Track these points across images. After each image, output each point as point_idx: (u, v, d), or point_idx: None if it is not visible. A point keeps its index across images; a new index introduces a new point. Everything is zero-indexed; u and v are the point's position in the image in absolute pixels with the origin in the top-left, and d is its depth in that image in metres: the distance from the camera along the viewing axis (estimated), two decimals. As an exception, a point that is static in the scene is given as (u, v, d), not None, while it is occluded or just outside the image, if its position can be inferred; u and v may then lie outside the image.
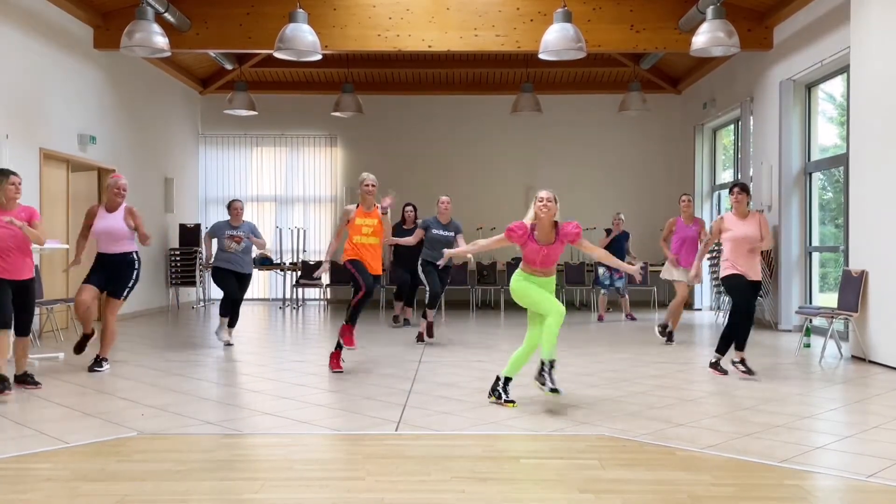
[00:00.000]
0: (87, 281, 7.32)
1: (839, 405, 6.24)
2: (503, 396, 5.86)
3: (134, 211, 7.39)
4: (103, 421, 5.30)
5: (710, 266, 12.58)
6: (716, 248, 10.98)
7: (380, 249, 7.55)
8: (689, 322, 11.80)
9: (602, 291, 12.39)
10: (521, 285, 5.85)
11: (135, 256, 7.42)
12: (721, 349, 7.22)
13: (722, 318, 12.04)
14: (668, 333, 9.43)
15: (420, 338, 9.43)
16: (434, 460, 4.39)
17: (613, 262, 6.34)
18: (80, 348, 7.51)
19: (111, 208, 7.37)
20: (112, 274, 7.32)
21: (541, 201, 5.76)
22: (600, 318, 12.30)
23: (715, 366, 7.23)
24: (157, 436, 4.92)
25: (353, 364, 7.87)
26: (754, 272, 7.17)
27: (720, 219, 7.45)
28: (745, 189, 7.33)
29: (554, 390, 5.56)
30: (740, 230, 7.16)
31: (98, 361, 7.31)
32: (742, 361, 7.07)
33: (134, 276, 7.40)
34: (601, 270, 12.30)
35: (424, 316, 9.51)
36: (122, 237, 7.29)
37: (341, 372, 7.21)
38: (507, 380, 5.91)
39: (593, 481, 4.00)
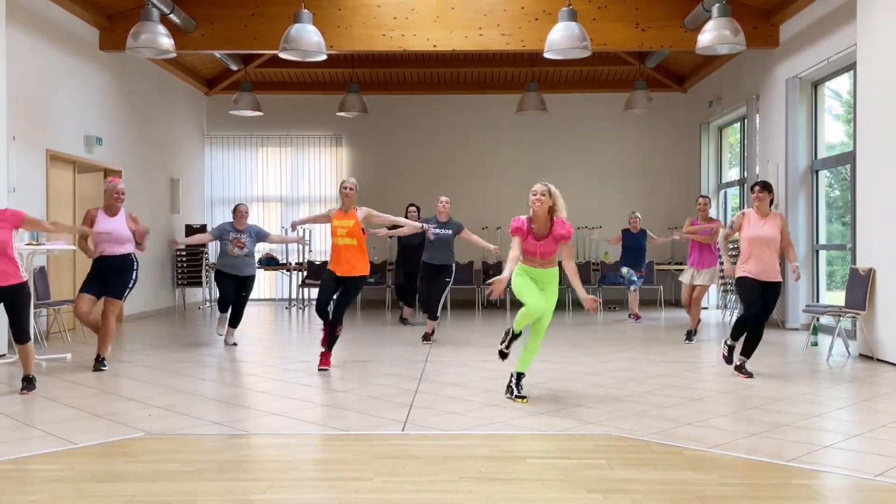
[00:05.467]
0: (83, 290, 7.50)
1: (847, 404, 6.21)
2: (514, 392, 5.89)
3: (135, 218, 7.63)
4: (111, 422, 5.31)
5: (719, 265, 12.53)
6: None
7: (357, 250, 7.44)
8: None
9: (632, 288, 12.04)
10: (516, 281, 5.89)
11: (133, 258, 7.62)
12: (736, 342, 7.16)
13: (729, 317, 12.01)
14: (686, 332, 9.47)
15: (426, 338, 9.44)
16: (441, 460, 4.39)
17: (577, 285, 5.89)
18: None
19: (112, 212, 7.55)
20: (111, 277, 7.47)
21: (534, 194, 5.81)
22: (636, 317, 12.00)
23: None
24: (165, 436, 4.93)
25: (360, 364, 7.89)
26: (767, 273, 6.93)
27: (741, 214, 7.25)
28: (765, 187, 7.07)
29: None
30: (754, 230, 6.98)
31: (100, 360, 7.43)
32: (741, 365, 7.04)
33: (133, 277, 7.59)
34: (624, 269, 12.13)
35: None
36: (126, 240, 7.51)
37: (326, 370, 7.26)
38: (520, 375, 5.92)
39: (601, 481, 3.99)
